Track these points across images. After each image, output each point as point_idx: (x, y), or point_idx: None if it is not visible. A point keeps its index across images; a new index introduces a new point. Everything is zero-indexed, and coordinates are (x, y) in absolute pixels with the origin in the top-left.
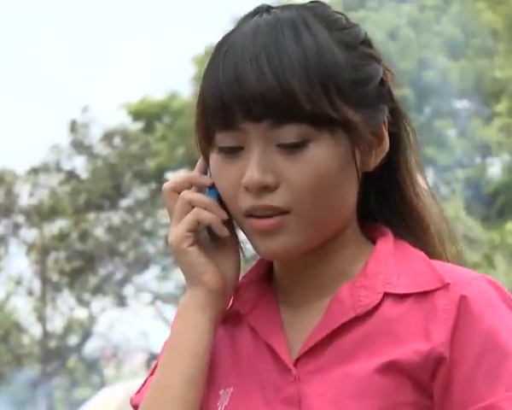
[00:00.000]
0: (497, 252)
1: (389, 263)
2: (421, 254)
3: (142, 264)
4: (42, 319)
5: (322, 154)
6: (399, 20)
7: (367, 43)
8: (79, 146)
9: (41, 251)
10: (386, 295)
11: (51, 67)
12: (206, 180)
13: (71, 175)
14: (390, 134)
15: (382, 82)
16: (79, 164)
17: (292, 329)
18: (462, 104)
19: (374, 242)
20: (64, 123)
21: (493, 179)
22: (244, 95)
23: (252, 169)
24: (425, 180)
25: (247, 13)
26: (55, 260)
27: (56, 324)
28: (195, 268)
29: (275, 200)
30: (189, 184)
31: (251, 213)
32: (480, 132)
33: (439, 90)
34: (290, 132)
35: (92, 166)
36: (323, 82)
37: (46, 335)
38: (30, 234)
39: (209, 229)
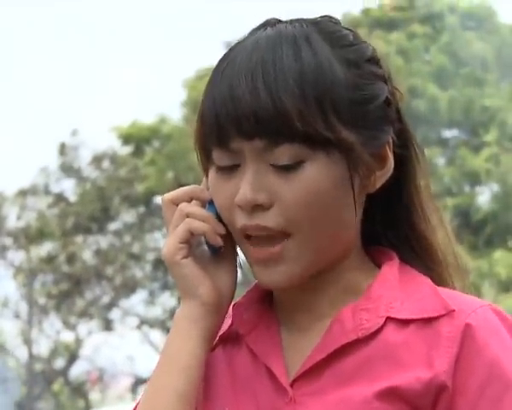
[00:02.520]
0: (485, 281)
1: (394, 287)
2: (427, 280)
3: (129, 288)
4: (28, 341)
5: (317, 174)
6: (388, 48)
7: (373, 61)
8: (68, 169)
9: (28, 274)
10: (388, 319)
11: (41, 90)
12: (206, 195)
13: (59, 198)
14: (397, 156)
15: (388, 102)
16: (68, 187)
17: (291, 350)
18: (451, 133)
19: (379, 265)
20: (53, 146)
21: (482, 208)
22: (237, 112)
23: (244, 187)
24: (434, 204)
25: (255, 26)
26: (42, 282)
27: (42, 347)
28: (190, 281)
29: (268, 220)
30: (189, 198)
31: (246, 233)
32: (468, 161)
33: (428, 119)
34: (284, 153)
35: (81, 189)
36: (319, 100)
37: (32, 358)
38: (17, 256)
39: (208, 243)
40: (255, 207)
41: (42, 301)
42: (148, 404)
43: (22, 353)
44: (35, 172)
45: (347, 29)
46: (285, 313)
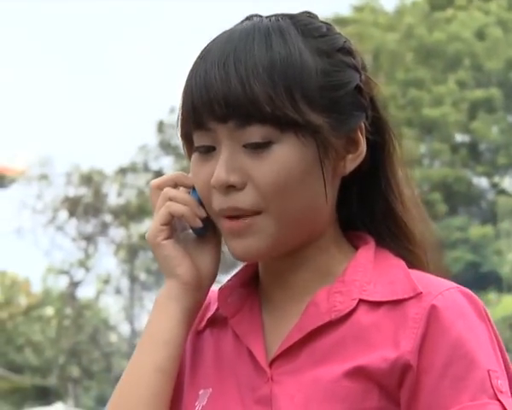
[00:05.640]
0: None
1: (367, 271)
2: (401, 263)
3: (227, 264)
4: (130, 317)
5: (286, 155)
6: (487, 19)
7: (345, 51)
8: (167, 146)
9: (129, 250)
10: (361, 301)
11: (139, 69)
12: (190, 181)
13: (158, 175)
14: (372, 142)
15: (359, 89)
16: (167, 164)
17: (272, 331)
18: None
19: (357, 249)
20: (152, 124)
21: None
22: (210, 96)
23: (219, 169)
24: (411, 188)
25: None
26: (143, 259)
27: (144, 322)
28: (170, 261)
29: (242, 200)
30: (174, 183)
31: (222, 214)
32: None
33: None
34: (254, 133)
35: (179, 166)
36: (288, 86)
37: (134, 333)
38: (118, 233)
39: (192, 227)
40: (229, 188)
41: (142, 277)
42: (127, 377)
43: (124, 328)
44: (134, 150)
45: (323, 22)
46: (266, 295)
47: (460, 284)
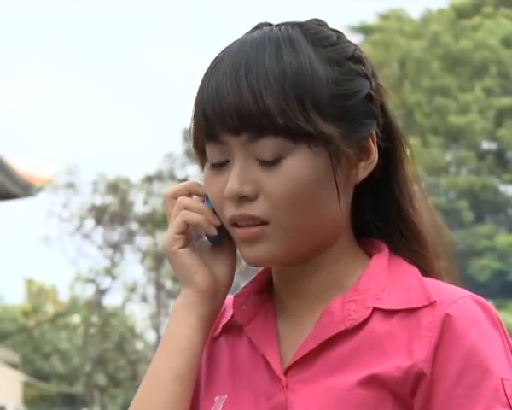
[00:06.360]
0: None
1: (381, 279)
2: (415, 270)
3: (250, 270)
4: (156, 325)
5: (299, 166)
6: None
7: (355, 59)
8: (193, 154)
9: (155, 258)
10: (375, 310)
11: (165, 77)
12: (203, 189)
13: None
14: (383, 149)
15: (370, 97)
16: (193, 172)
17: (287, 339)
18: None
19: (371, 257)
20: (177, 132)
21: None
22: (222, 109)
23: (232, 180)
24: (423, 193)
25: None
26: (169, 267)
27: None
28: (186, 270)
29: (254, 209)
30: (188, 192)
31: (235, 223)
32: None
33: None
34: (267, 145)
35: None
36: (299, 96)
37: (160, 341)
38: (144, 241)
39: (208, 235)
40: (242, 199)
41: (168, 285)
42: (146, 384)
43: (151, 336)
44: (160, 158)
45: (333, 30)
46: (281, 303)
47: (486, 292)
